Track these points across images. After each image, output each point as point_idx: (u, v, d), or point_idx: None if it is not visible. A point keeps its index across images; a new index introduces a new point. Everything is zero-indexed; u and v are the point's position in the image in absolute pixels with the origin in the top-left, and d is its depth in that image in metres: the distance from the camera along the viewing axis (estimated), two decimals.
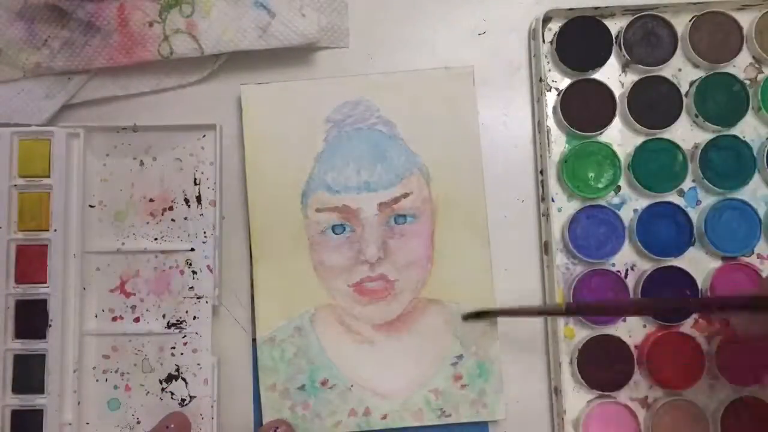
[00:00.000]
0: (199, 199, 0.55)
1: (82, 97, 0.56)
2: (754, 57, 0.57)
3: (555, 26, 0.57)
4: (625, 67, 0.57)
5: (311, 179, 0.56)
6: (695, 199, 0.56)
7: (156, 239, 0.55)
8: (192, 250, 0.55)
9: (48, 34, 0.55)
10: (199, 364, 0.54)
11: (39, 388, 0.52)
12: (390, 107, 0.56)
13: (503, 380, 0.54)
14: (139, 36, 0.55)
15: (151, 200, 0.55)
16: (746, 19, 0.56)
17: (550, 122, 0.57)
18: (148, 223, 0.55)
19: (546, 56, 0.57)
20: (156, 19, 0.55)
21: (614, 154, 0.55)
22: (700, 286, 0.55)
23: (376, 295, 0.55)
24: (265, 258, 0.55)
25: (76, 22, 0.55)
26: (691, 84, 0.56)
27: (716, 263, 0.56)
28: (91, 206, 0.55)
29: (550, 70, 0.57)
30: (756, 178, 0.56)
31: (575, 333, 0.55)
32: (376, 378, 0.55)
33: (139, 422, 0.54)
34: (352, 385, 0.55)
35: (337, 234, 0.55)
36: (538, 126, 0.56)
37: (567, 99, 0.56)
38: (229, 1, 0.55)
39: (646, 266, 0.56)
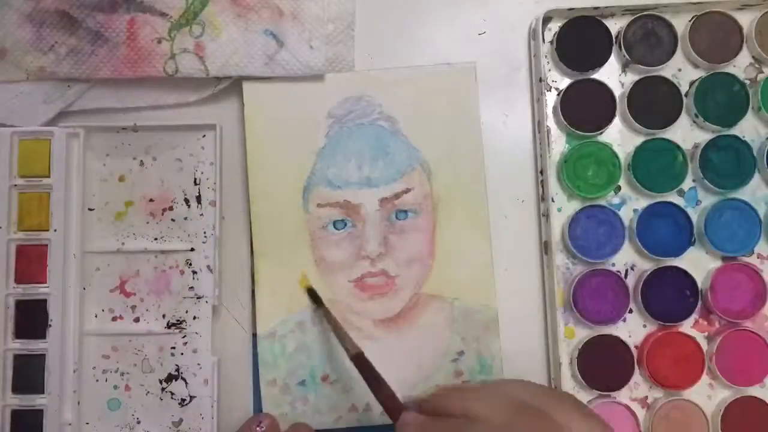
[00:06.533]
0: (199, 199, 0.55)
1: (79, 106, 0.56)
2: (754, 57, 0.57)
3: (555, 26, 0.57)
4: (625, 67, 0.57)
5: (313, 174, 0.56)
6: (695, 199, 0.56)
7: (156, 239, 0.55)
8: (192, 250, 0.55)
9: (55, 39, 0.55)
10: (199, 364, 0.54)
11: (39, 388, 0.52)
12: (392, 103, 0.56)
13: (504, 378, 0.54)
14: (146, 51, 0.55)
15: (151, 200, 0.55)
16: (746, 19, 0.56)
17: (550, 122, 0.57)
18: (148, 223, 0.55)
19: (546, 56, 0.57)
20: (165, 37, 0.55)
21: (614, 154, 0.55)
22: (700, 286, 0.55)
23: (377, 291, 0.55)
24: (266, 253, 0.55)
25: (84, 31, 0.55)
26: (691, 84, 0.56)
27: (716, 263, 0.56)
28: (90, 208, 0.55)
29: (550, 70, 0.57)
30: (756, 178, 0.56)
31: (575, 333, 0.55)
32: None
33: (139, 422, 0.54)
34: (352, 381, 0.54)
35: (338, 229, 0.55)
36: (538, 126, 0.56)
37: (567, 99, 0.56)
38: (239, 26, 0.55)
39: (646, 266, 0.55)
